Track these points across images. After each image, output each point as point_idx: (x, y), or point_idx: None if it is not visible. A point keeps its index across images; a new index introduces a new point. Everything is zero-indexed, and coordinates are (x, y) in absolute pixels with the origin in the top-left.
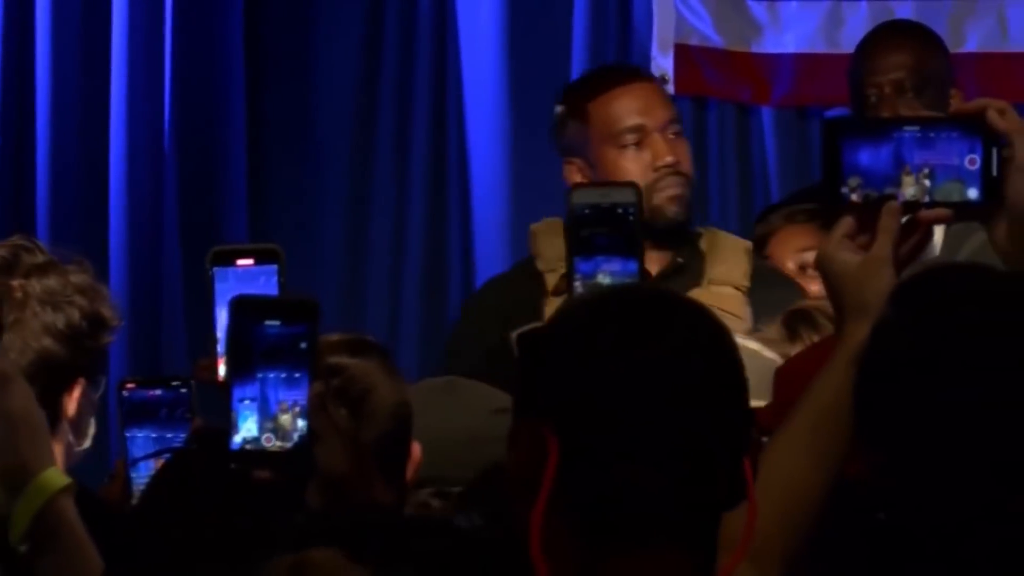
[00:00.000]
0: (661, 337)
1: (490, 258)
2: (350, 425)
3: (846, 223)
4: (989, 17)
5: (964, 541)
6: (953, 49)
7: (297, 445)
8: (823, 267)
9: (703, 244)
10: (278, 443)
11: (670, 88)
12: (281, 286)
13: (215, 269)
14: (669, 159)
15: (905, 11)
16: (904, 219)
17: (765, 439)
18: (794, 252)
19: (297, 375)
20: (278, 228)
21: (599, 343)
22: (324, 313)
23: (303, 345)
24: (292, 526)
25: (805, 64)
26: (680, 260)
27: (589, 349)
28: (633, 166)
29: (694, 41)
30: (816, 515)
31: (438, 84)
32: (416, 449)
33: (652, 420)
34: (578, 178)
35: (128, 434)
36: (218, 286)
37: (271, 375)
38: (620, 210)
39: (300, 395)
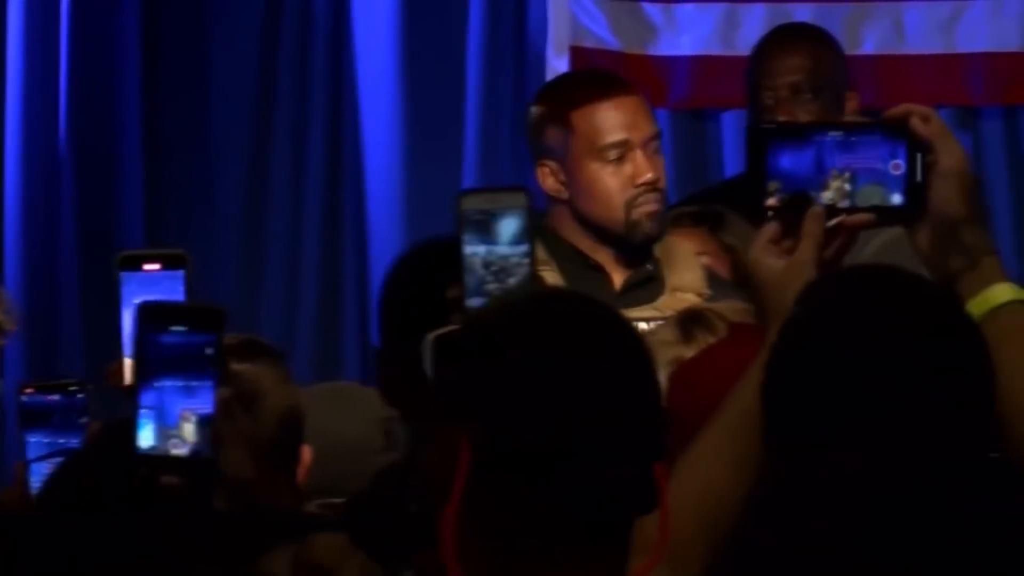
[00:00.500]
0: (573, 342)
1: (385, 259)
2: (255, 432)
3: (771, 228)
4: (886, 19)
5: (872, 533)
6: (850, 51)
7: (202, 451)
8: (749, 272)
9: (657, 251)
10: (183, 450)
11: None
12: (187, 291)
13: (122, 273)
14: (649, 176)
15: (802, 13)
16: (828, 224)
17: None
18: None
19: (196, 384)
20: (175, 230)
21: (510, 349)
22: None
23: (208, 351)
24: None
25: (701, 66)
26: (650, 268)
27: (500, 354)
28: (613, 181)
29: (589, 43)
30: (736, 519)
31: (334, 87)
32: (307, 453)
33: (564, 425)
34: (551, 182)
35: (26, 439)
36: (124, 290)
37: (169, 384)
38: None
39: (200, 404)
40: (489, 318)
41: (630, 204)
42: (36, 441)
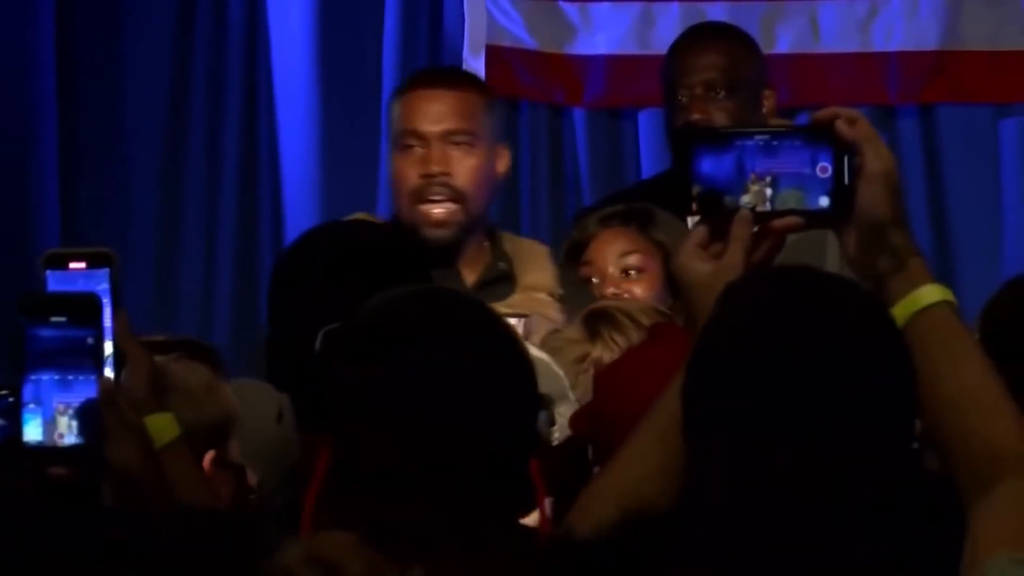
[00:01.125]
0: (442, 339)
1: None
2: (140, 423)
3: (698, 232)
4: (800, 18)
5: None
6: (765, 50)
7: (86, 441)
8: (676, 276)
9: (508, 249)
10: (68, 441)
11: None
12: (113, 289)
13: (48, 272)
14: (434, 168)
15: (717, 12)
16: (756, 228)
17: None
18: (616, 256)
19: (71, 377)
20: (90, 227)
21: (379, 344)
22: (135, 317)
23: (89, 341)
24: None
25: (617, 65)
26: (503, 266)
27: (371, 350)
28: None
29: (506, 43)
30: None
31: (249, 85)
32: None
33: (431, 424)
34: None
35: None
36: (51, 288)
37: (46, 377)
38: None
39: (75, 397)
40: (366, 315)
41: (417, 198)
42: None
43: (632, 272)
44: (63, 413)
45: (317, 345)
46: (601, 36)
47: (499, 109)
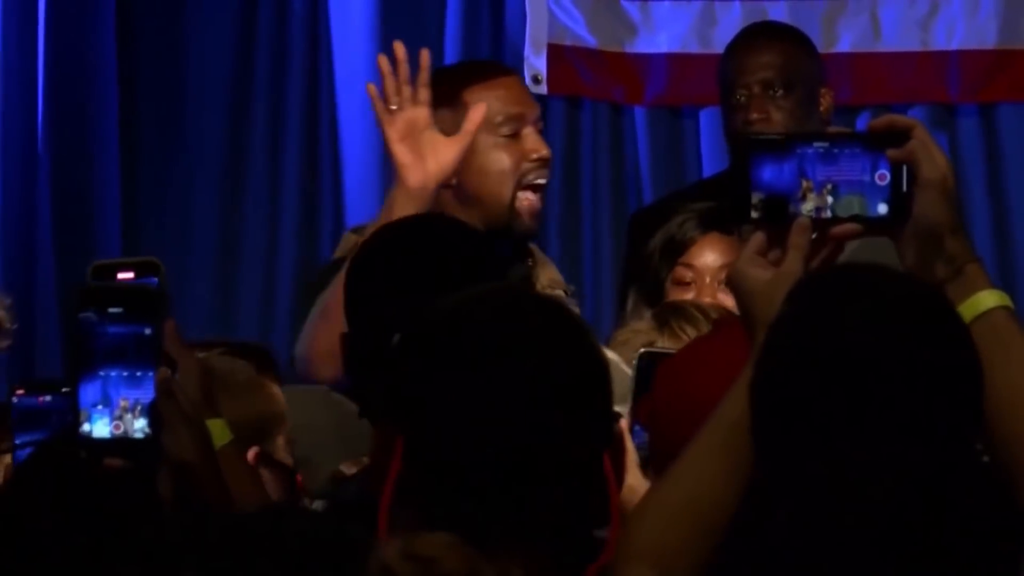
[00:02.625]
0: (518, 342)
1: None
2: (198, 416)
3: (757, 239)
4: (862, 17)
5: (865, 539)
6: (826, 49)
7: (144, 433)
8: (734, 283)
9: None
10: (124, 433)
11: (544, 88)
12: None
13: (94, 283)
14: (544, 152)
15: (778, 11)
16: (814, 235)
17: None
18: (716, 268)
19: (139, 373)
20: (151, 229)
21: (455, 348)
22: (197, 318)
23: (147, 332)
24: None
25: (678, 64)
26: (531, 263)
27: (447, 353)
28: (505, 156)
29: (567, 41)
30: (726, 528)
31: (311, 82)
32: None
33: (507, 428)
34: None
35: (18, 440)
36: None
37: (111, 373)
38: None
39: (142, 393)
40: (436, 317)
41: (520, 181)
42: (28, 441)
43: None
44: (127, 409)
45: (394, 343)
46: (662, 35)
47: None
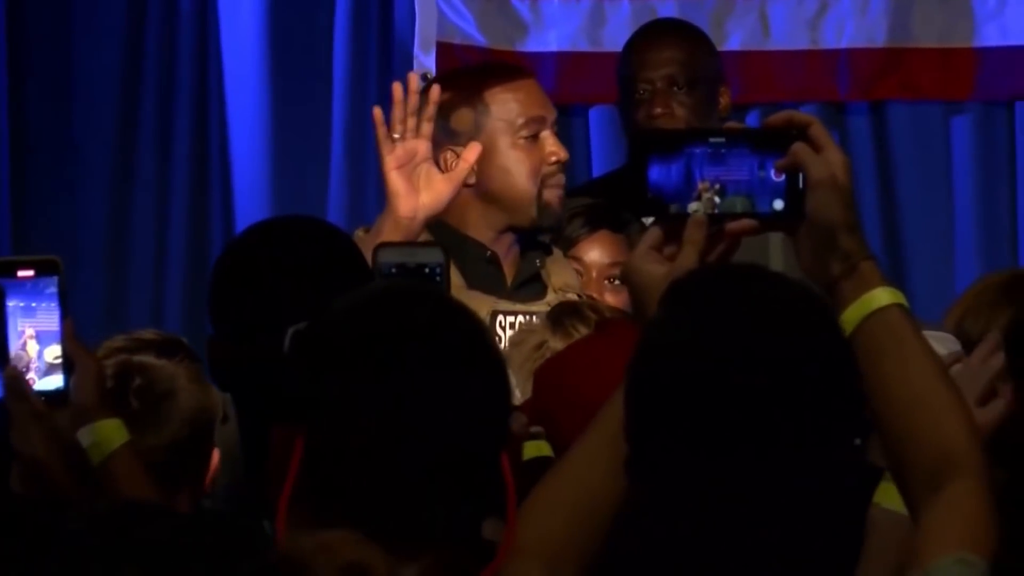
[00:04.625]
0: (421, 339)
1: None
2: (45, 408)
3: (653, 234)
4: (750, 15)
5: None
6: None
7: None
8: (628, 278)
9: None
10: None
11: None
12: (61, 296)
13: None
14: (562, 155)
15: (667, 9)
16: (711, 231)
17: (535, 429)
18: (602, 265)
19: None
20: (40, 228)
21: (354, 347)
22: (86, 318)
23: None
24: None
25: (568, 62)
26: (538, 263)
27: (346, 353)
28: (529, 158)
29: (457, 40)
30: (610, 523)
31: (200, 79)
32: (215, 456)
33: (409, 425)
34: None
35: None
36: None
37: None
38: (427, 270)
39: None
40: (340, 316)
41: (544, 182)
42: None
43: (616, 281)
44: None
45: (286, 344)
46: (552, 33)
47: None
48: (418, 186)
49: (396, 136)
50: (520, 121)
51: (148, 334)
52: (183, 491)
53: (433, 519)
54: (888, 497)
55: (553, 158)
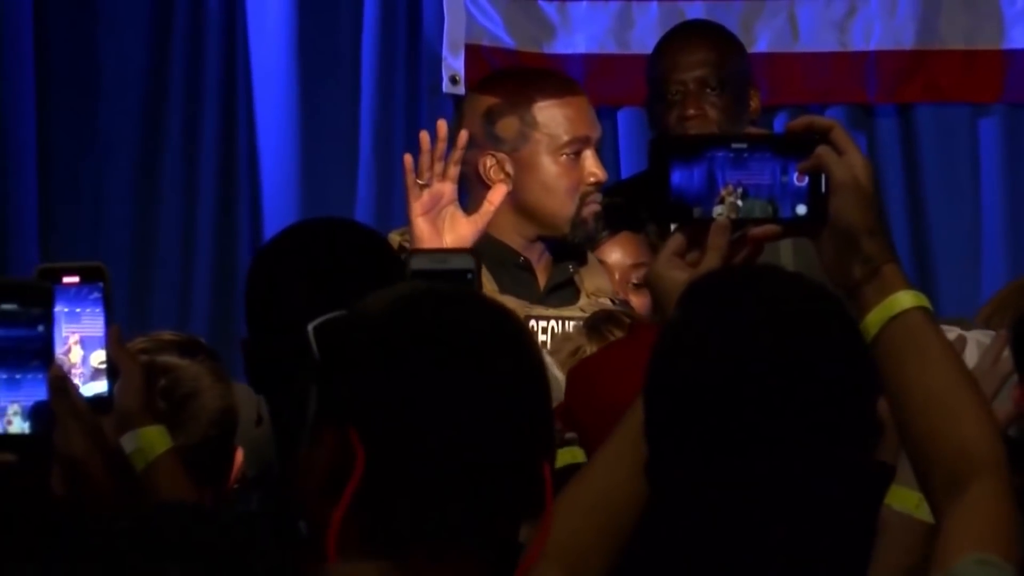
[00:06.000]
0: (465, 347)
1: None
2: (88, 409)
3: (676, 240)
4: (779, 17)
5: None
6: None
7: (35, 429)
8: (652, 284)
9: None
10: (17, 429)
11: (461, 89)
12: (106, 304)
13: None
14: (601, 175)
15: (695, 11)
16: (734, 236)
17: (570, 435)
18: (625, 267)
19: (19, 376)
20: (65, 231)
21: (403, 354)
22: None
23: (39, 329)
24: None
25: (595, 64)
26: (571, 269)
27: (393, 360)
28: (570, 176)
29: (485, 42)
30: (632, 528)
31: (227, 81)
32: (239, 455)
33: (455, 433)
34: (494, 172)
35: None
36: None
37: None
38: (459, 276)
39: (24, 396)
40: (379, 316)
41: (582, 201)
42: None
43: (638, 283)
44: (16, 412)
45: (312, 343)
46: (580, 35)
47: None
48: (442, 228)
49: (422, 182)
50: (565, 139)
51: (167, 335)
52: (208, 490)
53: (460, 526)
54: (898, 498)
55: (592, 179)
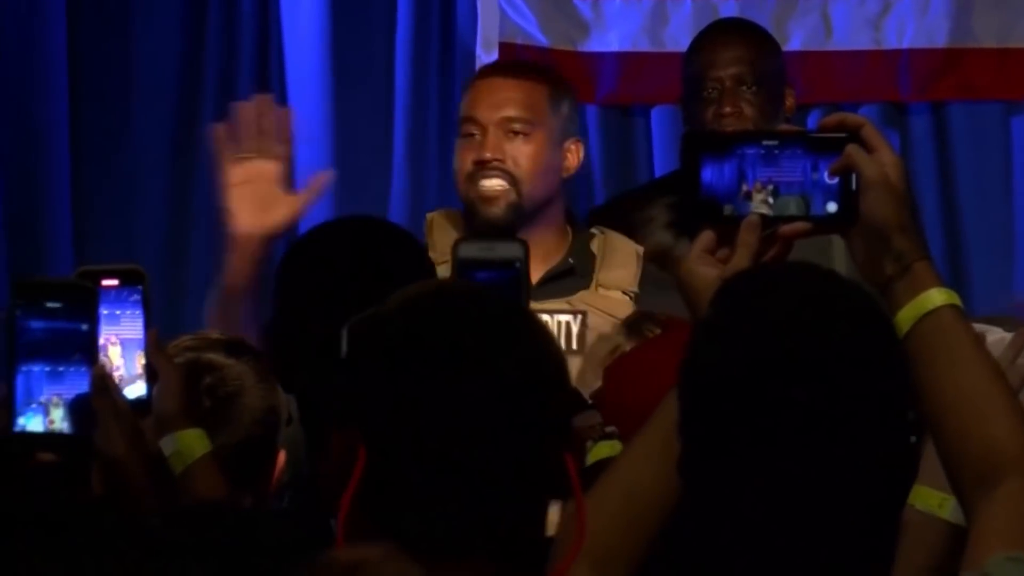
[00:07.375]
0: (482, 346)
1: None
2: (129, 410)
3: (706, 237)
4: (812, 15)
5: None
6: None
7: (75, 429)
8: (683, 281)
9: (595, 246)
10: (57, 428)
11: None
12: (145, 306)
13: None
14: (486, 155)
15: (728, 9)
16: (764, 233)
17: (609, 429)
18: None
19: (62, 368)
20: (98, 237)
21: (403, 352)
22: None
23: (83, 328)
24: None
25: (629, 63)
26: (571, 261)
27: (392, 356)
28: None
29: (519, 40)
30: (661, 525)
31: (260, 84)
32: (281, 456)
33: (452, 434)
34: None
35: None
36: None
37: (47, 369)
38: (507, 264)
39: (66, 389)
40: (383, 317)
41: (470, 179)
42: None
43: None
44: (57, 405)
45: (343, 344)
46: (613, 33)
47: (571, 103)
48: (261, 207)
49: (241, 156)
50: (459, 117)
51: (215, 333)
52: (249, 491)
53: (501, 525)
54: (921, 498)
55: (476, 156)
